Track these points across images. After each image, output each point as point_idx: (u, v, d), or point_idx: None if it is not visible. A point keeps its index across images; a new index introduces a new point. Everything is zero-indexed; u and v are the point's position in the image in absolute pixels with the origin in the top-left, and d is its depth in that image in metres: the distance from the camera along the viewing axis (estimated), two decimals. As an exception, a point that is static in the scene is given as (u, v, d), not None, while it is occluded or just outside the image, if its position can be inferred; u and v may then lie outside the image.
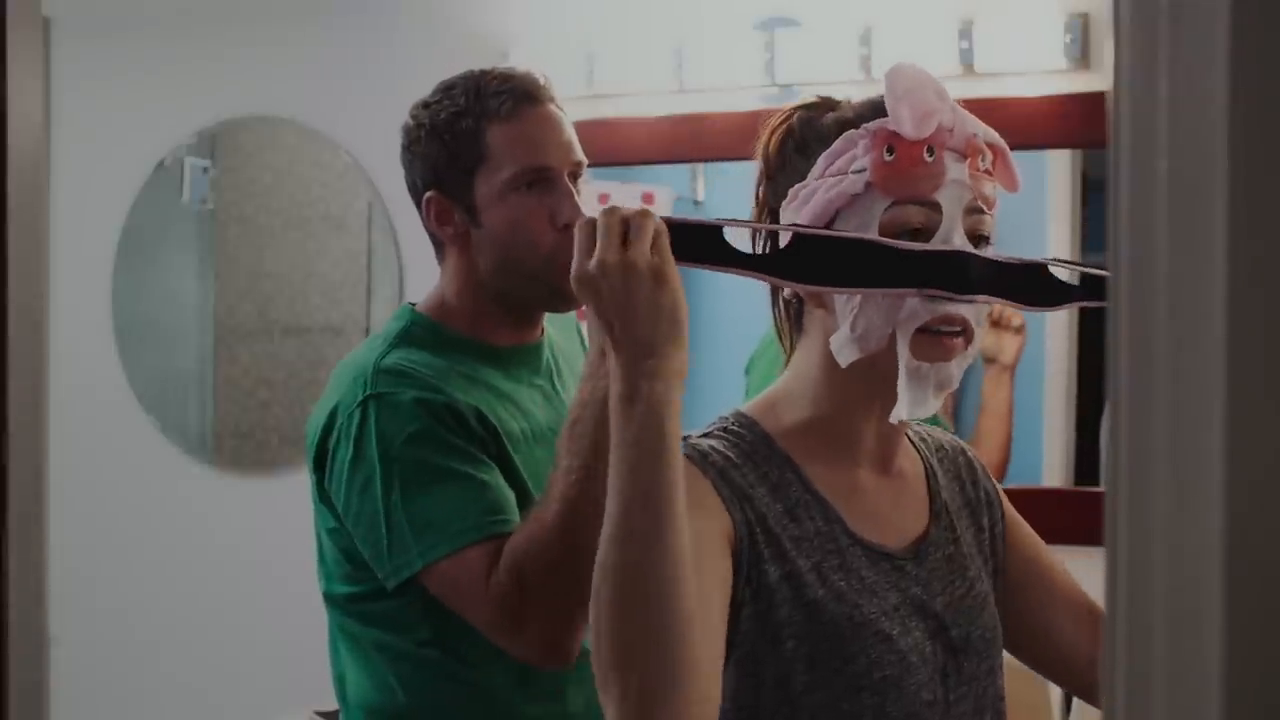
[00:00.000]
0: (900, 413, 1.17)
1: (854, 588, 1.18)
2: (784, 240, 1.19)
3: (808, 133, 1.22)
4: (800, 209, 1.19)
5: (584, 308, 1.13)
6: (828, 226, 1.18)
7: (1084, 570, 1.38)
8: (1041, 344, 2.66)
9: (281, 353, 3.25)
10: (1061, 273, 1.25)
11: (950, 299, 1.15)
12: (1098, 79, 2.53)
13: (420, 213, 1.71)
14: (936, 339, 1.16)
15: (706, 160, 2.83)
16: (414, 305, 1.72)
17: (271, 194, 3.26)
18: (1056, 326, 2.66)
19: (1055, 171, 2.65)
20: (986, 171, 1.19)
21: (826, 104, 1.25)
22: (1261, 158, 0.52)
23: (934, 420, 2.64)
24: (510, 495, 1.57)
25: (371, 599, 1.63)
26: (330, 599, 1.69)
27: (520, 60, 2.29)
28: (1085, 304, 1.25)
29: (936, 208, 1.16)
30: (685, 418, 1.08)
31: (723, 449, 1.20)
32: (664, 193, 2.92)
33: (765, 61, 2.73)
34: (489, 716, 1.65)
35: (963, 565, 1.27)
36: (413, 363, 1.60)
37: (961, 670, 1.22)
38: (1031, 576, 1.34)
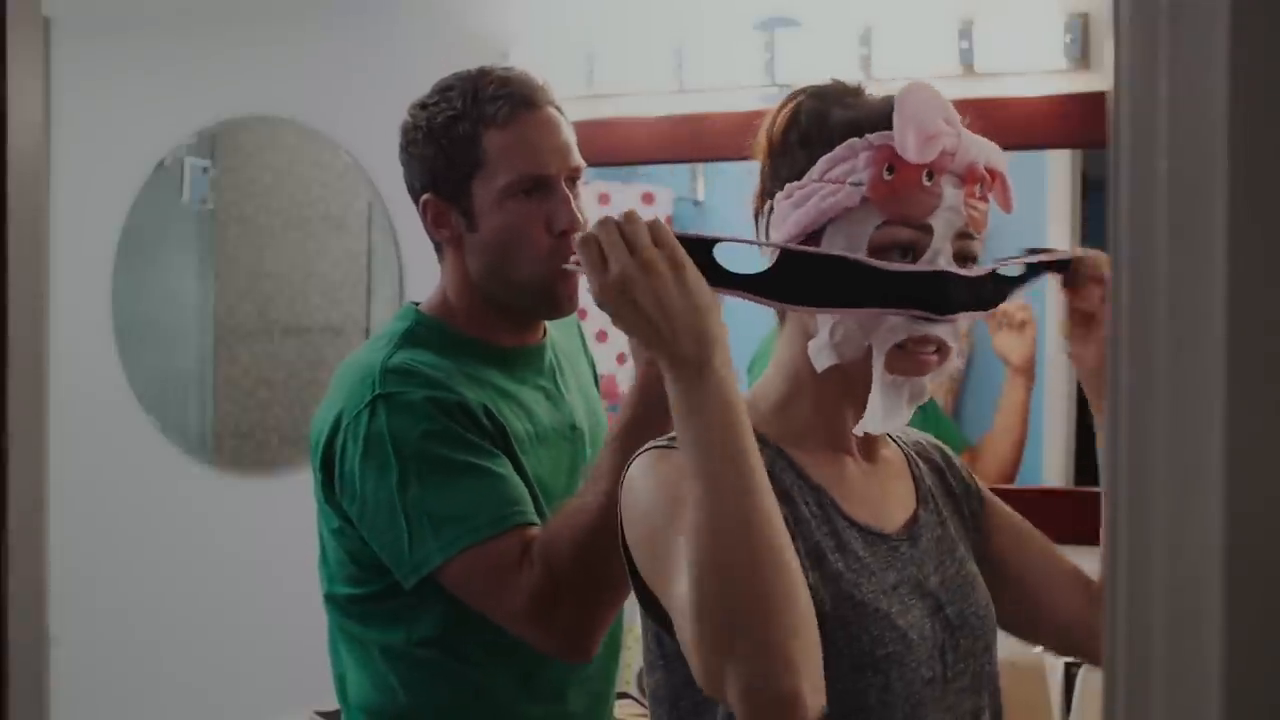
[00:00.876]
0: (873, 426, 1.20)
1: (852, 568, 1.20)
2: (768, 256, 1.21)
3: (813, 126, 1.22)
4: (794, 210, 1.20)
5: (615, 319, 1.12)
6: (818, 233, 1.19)
7: (1084, 570, 1.38)
8: (1042, 344, 2.66)
9: (281, 353, 3.25)
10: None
11: (929, 319, 1.18)
12: (1098, 79, 2.52)
13: (418, 212, 1.71)
14: (912, 356, 1.19)
15: (706, 160, 2.83)
16: (417, 305, 1.72)
17: (271, 194, 3.26)
18: (1057, 326, 2.66)
19: (1055, 171, 2.64)
20: (983, 197, 1.21)
21: (835, 93, 1.25)
22: (1261, 158, 0.52)
23: (935, 420, 2.65)
24: (525, 487, 1.57)
25: (374, 600, 1.63)
26: (332, 600, 1.69)
27: (520, 60, 2.29)
28: (1047, 268, 1.29)
29: (928, 230, 1.18)
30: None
31: None
32: (664, 193, 2.92)
33: (765, 61, 2.73)
34: (490, 717, 1.65)
35: (951, 546, 1.29)
36: (419, 362, 1.60)
37: (959, 647, 1.23)
38: (1021, 554, 1.36)
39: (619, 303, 1.09)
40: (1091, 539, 1.33)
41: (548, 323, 1.76)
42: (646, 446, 1.22)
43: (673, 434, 1.21)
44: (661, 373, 1.11)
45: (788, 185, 1.21)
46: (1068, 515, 2.48)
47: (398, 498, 1.53)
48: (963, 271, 1.19)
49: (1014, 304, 1.29)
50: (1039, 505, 2.62)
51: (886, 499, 1.28)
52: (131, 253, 3.33)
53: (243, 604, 3.21)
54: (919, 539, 1.27)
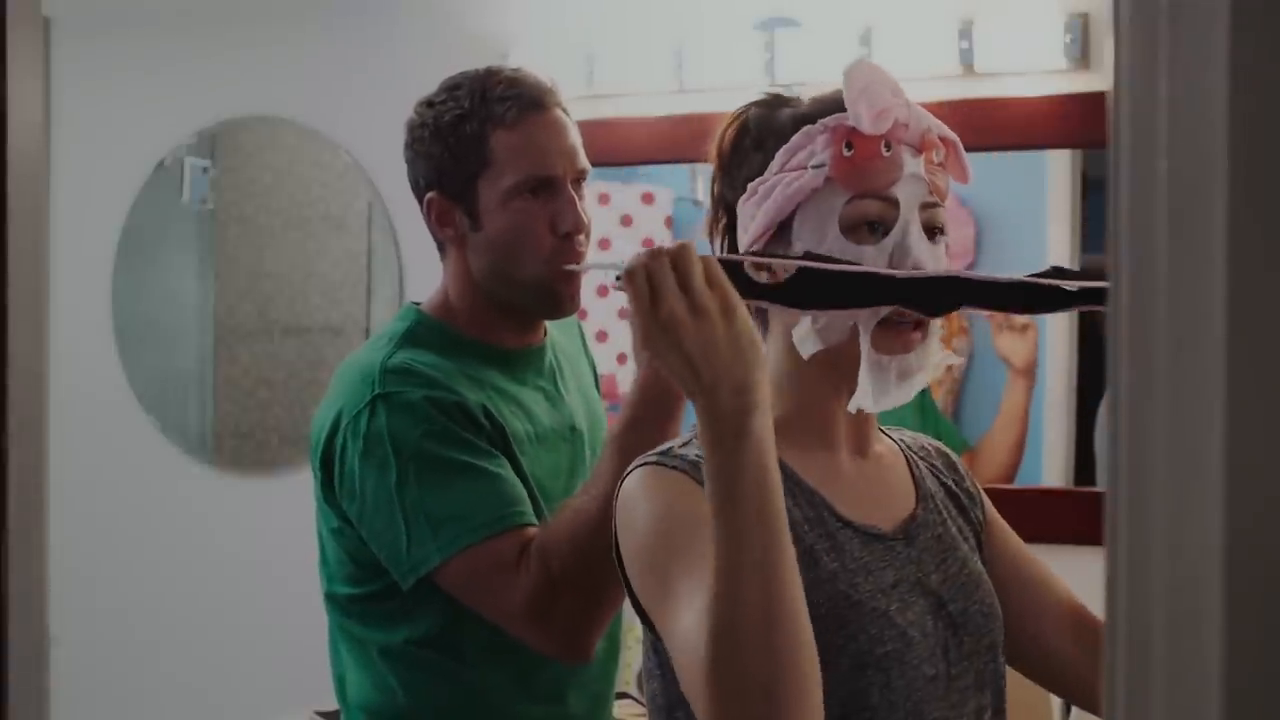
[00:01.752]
0: (865, 403, 1.19)
1: (848, 568, 1.19)
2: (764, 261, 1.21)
3: (763, 128, 1.25)
4: (761, 203, 1.21)
5: (653, 357, 1.09)
6: (789, 220, 1.21)
7: (1084, 570, 1.38)
8: (1042, 344, 2.66)
9: (281, 353, 3.25)
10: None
11: (922, 316, 1.19)
12: (1098, 79, 2.53)
13: (421, 210, 1.71)
14: (896, 332, 1.19)
15: (706, 160, 2.83)
16: (418, 305, 1.72)
17: (271, 194, 3.26)
18: (1057, 327, 2.66)
19: (1055, 171, 2.65)
20: (940, 165, 1.22)
21: (779, 100, 1.28)
22: (1261, 158, 0.52)
23: (934, 421, 2.65)
24: (523, 488, 1.57)
25: (373, 600, 1.63)
26: (332, 599, 1.69)
27: (520, 61, 2.29)
28: (1081, 309, 1.26)
29: (894, 202, 1.19)
30: (687, 416, 1.08)
31: None
32: (664, 193, 2.92)
33: (765, 61, 2.73)
34: (490, 718, 1.65)
35: (953, 544, 1.29)
36: (419, 362, 1.60)
37: (962, 645, 1.23)
38: (1017, 582, 1.35)
39: (663, 344, 1.05)
40: (1092, 539, 1.32)
41: (548, 323, 1.76)
42: (639, 461, 1.21)
43: (666, 446, 1.22)
44: (663, 378, 1.10)
45: (749, 185, 1.23)
46: (1068, 515, 2.48)
47: (396, 498, 1.53)
48: (974, 276, 1.20)
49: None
50: (1039, 505, 2.63)
51: (882, 497, 1.28)
52: (131, 253, 3.33)
53: (243, 604, 3.21)
54: (916, 538, 1.26)
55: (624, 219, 2.91)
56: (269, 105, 3.22)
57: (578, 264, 1.63)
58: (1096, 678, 1.28)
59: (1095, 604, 1.35)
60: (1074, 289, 1.25)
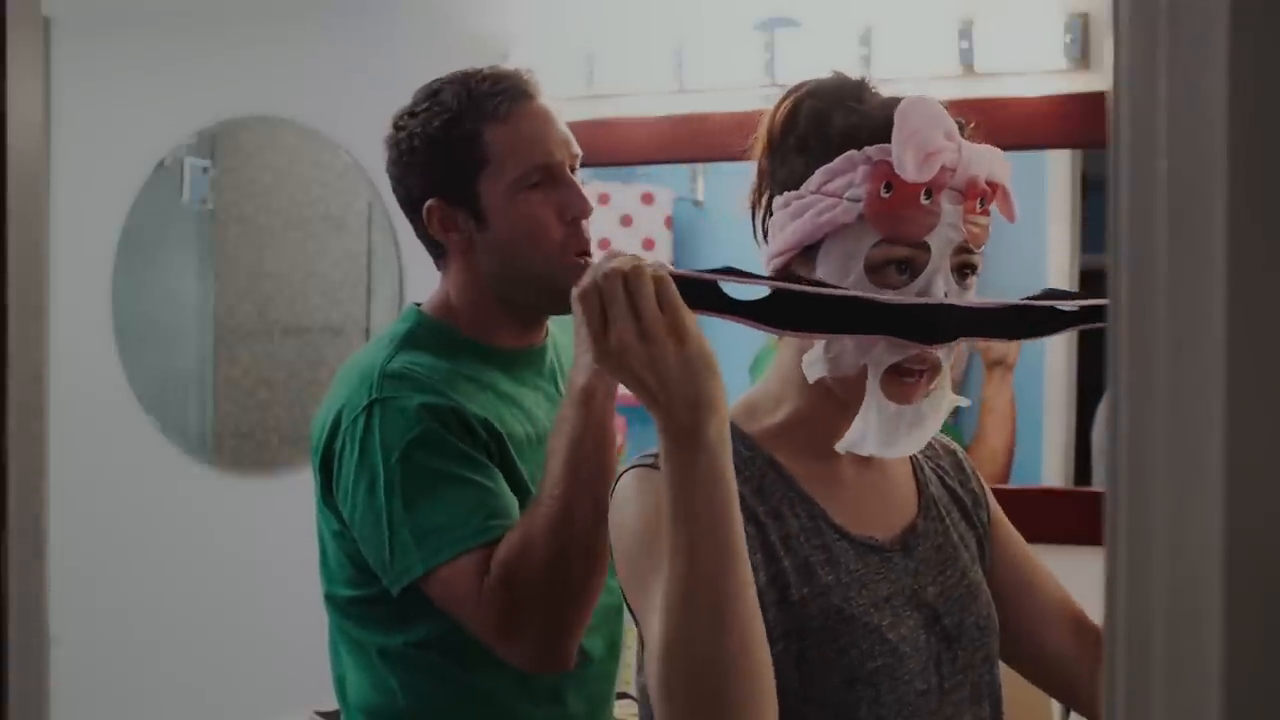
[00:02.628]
0: (859, 446, 1.18)
1: (843, 581, 1.19)
2: (767, 269, 1.20)
3: (812, 131, 1.20)
4: (792, 220, 1.19)
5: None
6: (815, 247, 1.18)
7: (1084, 570, 1.37)
8: (1042, 344, 2.66)
9: (281, 353, 3.25)
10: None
11: (920, 347, 1.16)
12: (1098, 79, 2.52)
13: (416, 222, 1.69)
14: (906, 385, 1.17)
15: (706, 160, 2.83)
16: (419, 306, 1.72)
17: (271, 194, 3.26)
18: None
19: (1055, 171, 2.64)
20: (984, 211, 1.18)
21: (840, 92, 1.21)
22: (1261, 158, 0.52)
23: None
24: (513, 500, 1.57)
25: (373, 602, 1.62)
26: (332, 601, 1.69)
27: (520, 61, 2.29)
28: (1082, 328, 1.25)
29: (925, 248, 1.15)
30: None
31: None
32: (664, 193, 2.92)
33: (765, 61, 2.73)
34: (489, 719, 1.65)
35: (953, 554, 1.28)
36: (418, 366, 1.60)
37: (956, 659, 1.23)
38: (1018, 586, 1.34)
39: (612, 366, 1.07)
40: (1091, 539, 1.32)
41: (549, 322, 1.76)
42: (632, 463, 1.22)
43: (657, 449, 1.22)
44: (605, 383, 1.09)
45: (786, 194, 1.20)
46: (1068, 515, 2.48)
47: (384, 505, 1.53)
48: (965, 303, 1.17)
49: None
50: (1039, 505, 2.63)
51: (883, 506, 1.27)
52: (131, 253, 3.33)
53: (243, 604, 3.21)
54: (915, 549, 1.25)
55: (624, 219, 2.90)
56: (269, 105, 3.22)
57: (586, 249, 1.63)
58: (1094, 683, 1.28)
59: (1095, 604, 1.35)
60: (1073, 309, 1.23)
